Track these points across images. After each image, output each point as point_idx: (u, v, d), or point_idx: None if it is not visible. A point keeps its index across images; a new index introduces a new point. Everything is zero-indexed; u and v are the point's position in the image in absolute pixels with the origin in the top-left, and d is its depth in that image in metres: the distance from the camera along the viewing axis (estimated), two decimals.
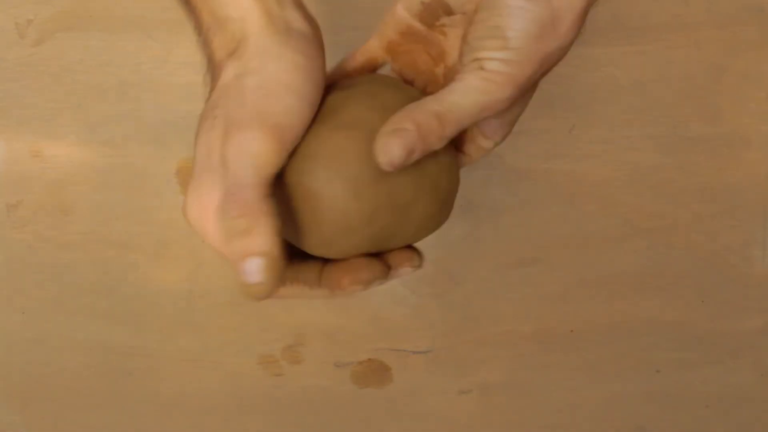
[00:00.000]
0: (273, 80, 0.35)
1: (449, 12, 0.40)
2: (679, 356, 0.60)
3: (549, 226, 0.59)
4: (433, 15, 0.41)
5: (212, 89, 0.37)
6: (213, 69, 0.37)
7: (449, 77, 0.41)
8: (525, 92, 0.38)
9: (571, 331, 0.60)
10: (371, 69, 0.43)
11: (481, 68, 0.36)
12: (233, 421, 0.61)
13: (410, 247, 0.41)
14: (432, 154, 0.37)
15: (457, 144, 0.42)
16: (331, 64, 0.41)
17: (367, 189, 0.37)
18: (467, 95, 0.36)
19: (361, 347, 0.61)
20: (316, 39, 0.38)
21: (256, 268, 0.32)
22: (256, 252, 0.32)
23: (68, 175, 0.59)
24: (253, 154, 0.33)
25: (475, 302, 0.60)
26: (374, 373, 0.61)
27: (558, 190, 0.59)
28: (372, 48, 0.43)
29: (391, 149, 0.34)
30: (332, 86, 0.40)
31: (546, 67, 0.37)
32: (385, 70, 0.44)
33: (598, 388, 0.61)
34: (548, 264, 0.60)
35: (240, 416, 0.61)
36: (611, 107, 0.59)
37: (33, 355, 0.61)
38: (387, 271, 0.38)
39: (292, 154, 0.36)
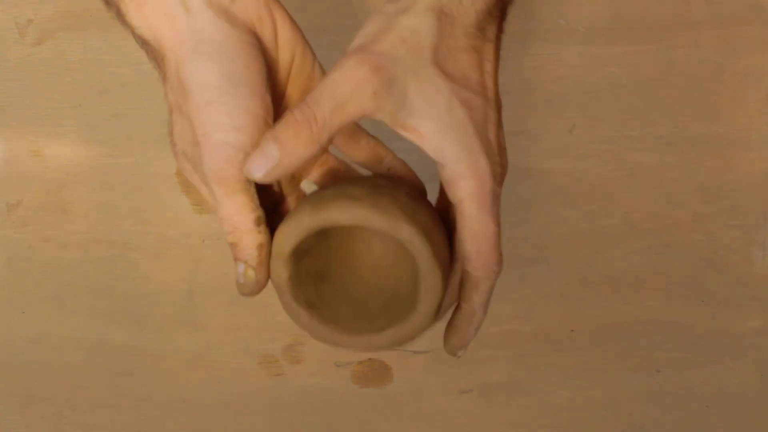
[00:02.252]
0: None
1: None
2: (679, 356, 0.60)
3: (549, 226, 0.59)
4: None
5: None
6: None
7: None
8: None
9: (571, 331, 0.60)
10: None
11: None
12: (233, 421, 0.61)
13: None
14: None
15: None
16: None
17: None
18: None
19: None
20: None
21: (241, 271, 0.38)
22: (239, 259, 0.38)
23: (68, 175, 0.59)
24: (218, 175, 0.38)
25: None
26: (374, 373, 0.61)
27: (558, 190, 0.59)
28: None
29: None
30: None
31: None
32: None
33: (598, 388, 0.61)
34: (548, 264, 0.60)
35: (240, 416, 0.61)
36: (612, 107, 0.59)
37: (33, 355, 0.61)
38: None
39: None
